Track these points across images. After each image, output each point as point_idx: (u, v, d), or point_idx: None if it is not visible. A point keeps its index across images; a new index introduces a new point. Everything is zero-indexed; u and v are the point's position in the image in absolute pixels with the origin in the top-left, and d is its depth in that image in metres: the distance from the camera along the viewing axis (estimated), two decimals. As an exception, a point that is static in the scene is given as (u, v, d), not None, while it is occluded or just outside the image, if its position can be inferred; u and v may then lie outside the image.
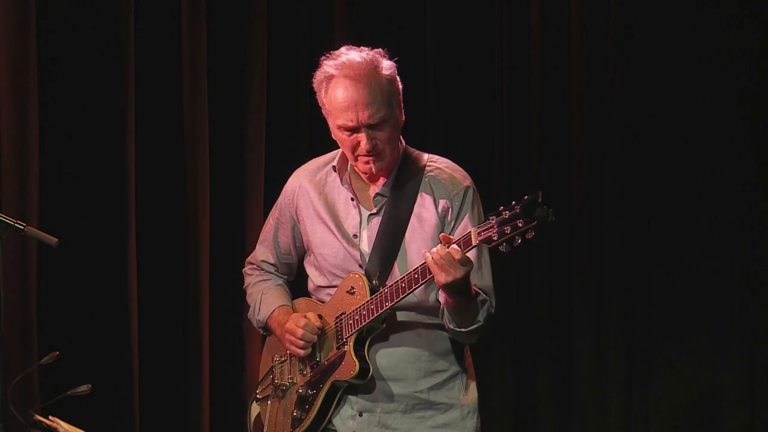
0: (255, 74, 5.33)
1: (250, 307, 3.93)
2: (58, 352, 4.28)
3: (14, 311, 4.74)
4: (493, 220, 3.31)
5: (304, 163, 3.85)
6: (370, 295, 3.57)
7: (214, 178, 5.24)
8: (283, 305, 3.82)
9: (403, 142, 3.71)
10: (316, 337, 3.67)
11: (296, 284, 3.95)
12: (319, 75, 3.62)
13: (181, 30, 5.16)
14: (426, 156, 3.73)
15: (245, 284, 3.97)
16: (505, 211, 3.29)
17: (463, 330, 3.58)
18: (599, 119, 5.67)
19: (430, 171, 3.68)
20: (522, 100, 5.69)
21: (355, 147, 3.59)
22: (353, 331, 3.59)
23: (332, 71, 3.58)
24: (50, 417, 4.10)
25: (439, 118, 5.65)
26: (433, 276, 3.41)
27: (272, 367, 3.83)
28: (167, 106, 5.17)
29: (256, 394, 3.87)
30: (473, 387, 3.71)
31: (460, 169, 3.74)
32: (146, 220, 5.10)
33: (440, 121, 5.65)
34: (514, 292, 5.68)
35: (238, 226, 5.31)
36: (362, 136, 3.56)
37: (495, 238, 3.30)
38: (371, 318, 3.56)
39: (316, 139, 5.41)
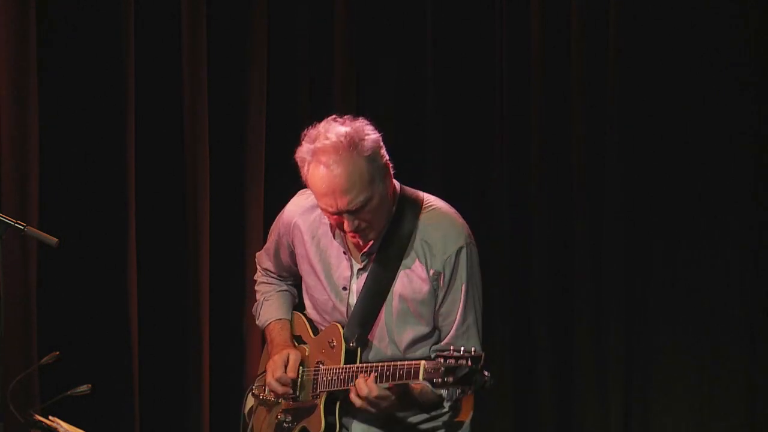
0: (255, 74, 5.33)
1: (256, 302, 3.97)
2: (58, 352, 4.27)
3: (14, 311, 4.74)
4: (441, 363, 3.31)
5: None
6: (344, 361, 3.59)
7: (214, 178, 5.23)
8: (281, 319, 3.85)
9: (397, 187, 3.64)
10: (282, 390, 3.69)
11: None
12: (299, 153, 3.56)
13: (181, 30, 5.16)
14: (422, 199, 3.66)
15: (255, 275, 4.01)
16: (450, 359, 3.29)
17: (434, 413, 3.66)
18: (599, 119, 5.66)
19: (424, 228, 3.61)
20: (522, 100, 5.69)
21: (339, 224, 3.56)
22: (326, 389, 3.62)
23: (309, 156, 3.51)
24: (50, 417, 4.10)
25: (439, 118, 5.65)
26: (405, 382, 3.45)
27: (265, 372, 3.84)
28: (167, 106, 5.17)
29: (253, 388, 3.89)
30: (466, 408, 3.72)
31: (457, 220, 3.66)
32: (146, 220, 5.10)
33: (440, 122, 5.64)
34: (514, 292, 5.68)
35: (238, 226, 5.30)
36: (344, 218, 3.52)
37: (438, 382, 3.32)
38: (342, 388, 3.58)
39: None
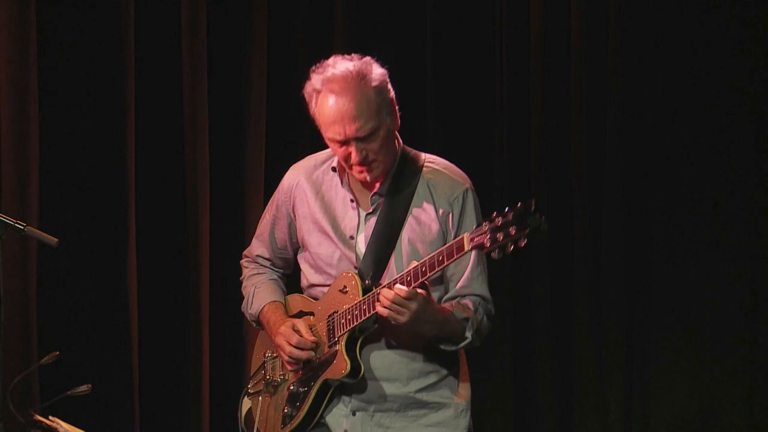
0: (255, 74, 5.33)
1: (244, 299, 3.93)
2: (58, 352, 4.28)
3: (14, 311, 4.74)
4: (486, 226, 3.31)
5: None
6: (363, 295, 3.56)
7: (214, 177, 5.24)
8: (275, 301, 3.83)
9: (401, 142, 3.72)
10: (305, 354, 3.66)
11: (292, 278, 3.95)
12: (308, 87, 3.63)
13: (181, 30, 5.16)
14: (423, 156, 3.73)
15: (241, 276, 3.98)
16: (498, 217, 3.29)
17: (453, 348, 3.62)
18: (599, 119, 5.66)
19: (428, 172, 3.69)
20: (522, 100, 5.69)
21: (347, 158, 3.60)
22: (345, 330, 3.59)
23: (318, 85, 3.59)
24: (50, 417, 4.10)
25: (439, 117, 5.65)
26: (428, 276, 3.42)
27: (264, 363, 3.84)
28: (167, 105, 5.17)
29: (248, 388, 3.89)
30: (466, 385, 3.72)
31: (458, 170, 3.75)
32: (146, 220, 5.10)
33: (440, 121, 5.65)
34: (514, 291, 5.68)
35: (238, 225, 5.30)
36: (352, 149, 3.57)
37: (487, 245, 3.30)
38: (363, 318, 3.55)
39: (316, 138, 5.40)
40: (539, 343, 5.71)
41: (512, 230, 3.25)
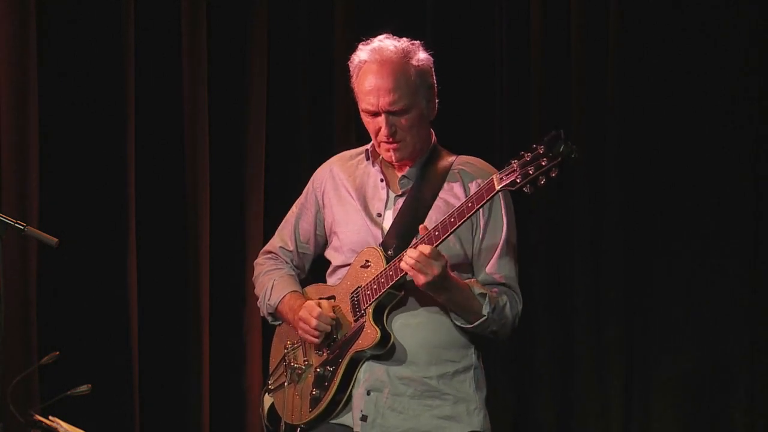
0: (255, 74, 5.34)
1: (258, 295, 3.91)
2: (58, 352, 4.28)
3: (14, 311, 4.74)
4: (515, 164, 3.33)
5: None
6: (386, 264, 3.57)
7: (214, 178, 5.24)
8: (295, 291, 3.82)
9: (434, 137, 3.78)
10: (329, 327, 3.65)
11: (305, 281, 3.95)
12: (353, 58, 3.70)
13: (181, 30, 5.16)
14: (456, 154, 3.78)
15: (255, 274, 3.96)
16: (526, 154, 3.31)
17: (469, 327, 3.60)
18: (599, 119, 5.67)
19: (460, 163, 3.74)
20: (522, 100, 5.69)
21: (376, 132, 3.66)
22: (372, 300, 3.59)
23: (363, 56, 3.67)
24: (50, 417, 4.11)
25: (438, 119, 5.63)
26: (457, 225, 3.44)
27: (285, 355, 3.81)
28: (167, 106, 5.17)
29: (268, 385, 3.86)
30: (483, 384, 3.71)
31: (489, 164, 3.78)
32: (146, 220, 5.10)
33: (439, 122, 5.64)
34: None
35: (238, 227, 5.31)
36: (381, 121, 3.63)
37: (518, 181, 3.32)
38: (390, 284, 3.55)
39: (316, 139, 5.41)
40: (539, 343, 5.71)
41: (543, 161, 3.27)
